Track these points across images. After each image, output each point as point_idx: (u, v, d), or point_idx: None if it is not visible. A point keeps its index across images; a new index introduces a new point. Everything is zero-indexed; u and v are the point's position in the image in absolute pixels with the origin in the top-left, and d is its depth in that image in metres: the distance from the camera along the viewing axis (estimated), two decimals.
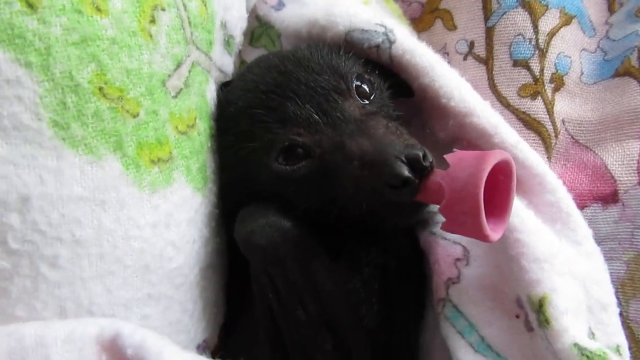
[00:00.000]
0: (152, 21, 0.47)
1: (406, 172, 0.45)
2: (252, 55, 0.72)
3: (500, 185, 0.46)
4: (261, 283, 0.54)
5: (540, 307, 0.48)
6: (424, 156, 0.46)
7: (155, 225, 0.48)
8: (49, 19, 0.41)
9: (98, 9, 0.43)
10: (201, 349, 0.57)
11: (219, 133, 0.59)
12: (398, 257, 0.62)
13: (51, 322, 0.41)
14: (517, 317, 0.52)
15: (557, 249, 0.51)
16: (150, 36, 0.47)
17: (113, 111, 0.44)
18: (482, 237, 0.43)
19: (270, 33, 0.72)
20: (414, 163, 0.46)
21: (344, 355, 0.56)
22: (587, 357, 0.45)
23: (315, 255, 0.54)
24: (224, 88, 0.62)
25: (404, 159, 0.46)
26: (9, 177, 0.40)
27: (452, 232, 0.47)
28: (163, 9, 0.48)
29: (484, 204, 0.42)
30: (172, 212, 0.50)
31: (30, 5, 0.40)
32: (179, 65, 0.51)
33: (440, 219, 0.54)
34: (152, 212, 0.48)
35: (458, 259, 0.56)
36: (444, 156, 0.45)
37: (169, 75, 0.49)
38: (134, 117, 0.46)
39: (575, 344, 0.46)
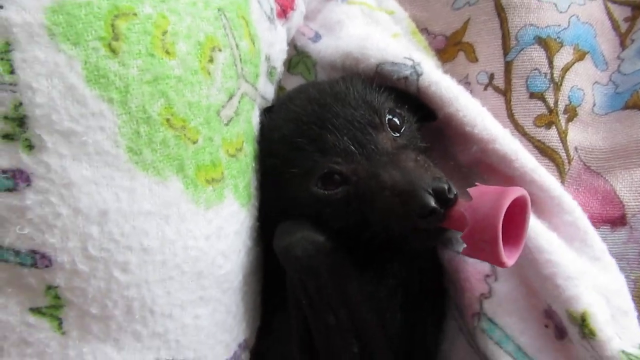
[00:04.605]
0: (211, 60, 0.54)
1: (432, 203, 0.51)
2: (290, 81, 0.79)
3: (516, 217, 0.50)
4: (296, 290, 0.60)
5: (583, 321, 0.53)
6: (449, 189, 0.51)
7: (209, 237, 0.55)
8: (128, 62, 0.48)
9: (167, 52, 0.50)
10: (242, 347, 0.63)
11: (262, 156, 0.66)
12: (419, 272, 0.68)
13: None
14: (546, 326, 0.57)
15: (582, 266, 0.56)
16: (209, 73, 0.54)
17: (177, 139, 0.51)
18: (498, 263, 0.48)
19: (307, 62, 0.78)
20: (439, 195, 0.51)
21: (368, 359, 0.62)
22: None
23: (345, 266, 0.60)
24: (266, 114, 0.69)
25: (431, 191, 0.51)
26: (91, 195, 0.47)
27: (472, 257, 0.53)
28: (220, 50, 0.55)
29: (501, 233, 0.47)
30: (223, 225, 0.56)
31: (113, 50, 0.48)
32: (231, 97, 0.58)
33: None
34: (206, 225, 0.54)
35: (487, 275, 0.61)
36: (468, 190, 0.50)
37: (223, 106, 0.56)
38: (194, 143, 0.53)
39: (623, 351, 0.51)
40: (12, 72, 0.45)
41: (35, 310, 0.48)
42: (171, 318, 0.53)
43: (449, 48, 0.76)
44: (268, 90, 0.71)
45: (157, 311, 0.52)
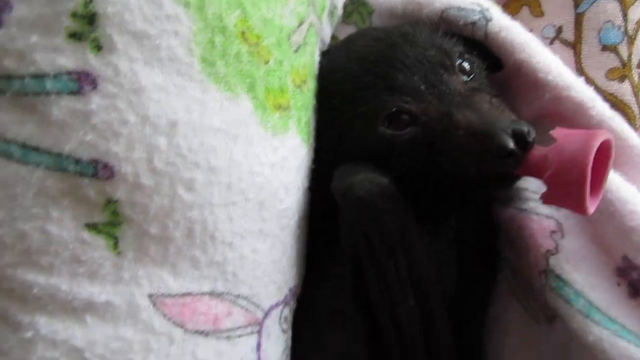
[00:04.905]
0: None
1: (512, 144, 0.49)
2: (343, 30, 0.75)
3: (598, 164, 0.48)
4: (354, 236, 0.57)
5: None
6: (529, 132, 0.49)
7: (274, 166, 0.52)
8: None
9: None
10: (292, 293, 0.60)
11: (322, 95, 0.63)
12: (474, 231, 0.65)
13: None
14: (619, 285, 0.54)
15: None
16: None
17: (250, 55, 0.48)
18: (581, 208, 0.47)
19: (361, 10, 0.75)
20: (519, 137, 0.49)
21: (423, 313, 0.59)
22: None
23: (408, 211, 0.57)
24: (325, 55, 0.66)
25: (510, 132, 0.49)
26: (161, 103, 0.44)
27: (552, 202, 0.50)
28: None
29: None
30: (287, 157, 0.54)
31: None
32: (301, 23, 0.55)
33: (531, 196, 0.57)
34: (272, 152, 0.52)
35: (554, 231, 0.59)
36: (551, 132, 0.49)
37: (293, 31, 0.54)
38: (266, 63, 0.50)
39: None
40: None
41: (91, 227, 0.45)
42: (231, 247, 0.50)
43: (512, 3, 0.74)
44: (327, 33, 0.68)
45: (217, 238, 0.49)
